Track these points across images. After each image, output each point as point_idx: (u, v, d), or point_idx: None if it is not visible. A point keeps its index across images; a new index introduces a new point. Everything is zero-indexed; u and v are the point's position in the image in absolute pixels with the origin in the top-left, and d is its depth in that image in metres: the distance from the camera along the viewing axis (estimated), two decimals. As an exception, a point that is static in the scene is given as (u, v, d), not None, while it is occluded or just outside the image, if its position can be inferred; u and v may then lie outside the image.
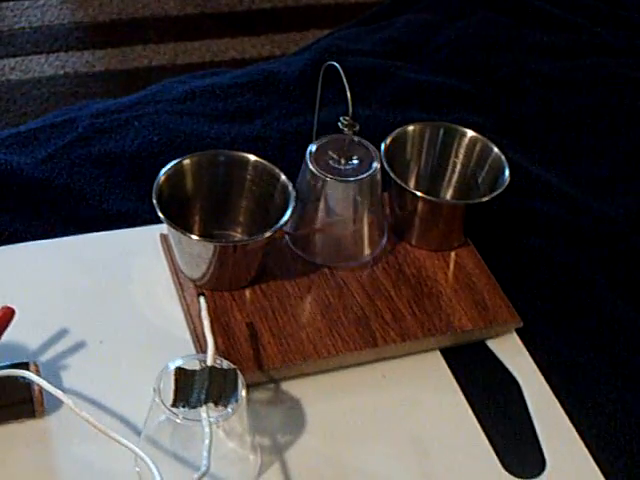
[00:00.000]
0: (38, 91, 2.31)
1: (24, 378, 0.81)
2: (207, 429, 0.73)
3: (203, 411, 0.74)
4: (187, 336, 0.92)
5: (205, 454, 0.71)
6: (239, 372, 0.77)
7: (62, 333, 0.91)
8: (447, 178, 1.05)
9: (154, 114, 1.22)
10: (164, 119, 1.20)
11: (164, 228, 0.98)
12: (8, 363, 0.82)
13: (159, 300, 0.96)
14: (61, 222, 1.05)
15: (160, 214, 0.89)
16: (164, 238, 0.99)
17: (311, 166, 0.95)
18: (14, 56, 2.42)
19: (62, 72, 2.39)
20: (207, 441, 0.72)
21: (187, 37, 2.54)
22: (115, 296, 0.96)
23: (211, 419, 0.74)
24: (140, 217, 1.06)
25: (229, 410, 0.75)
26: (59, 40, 2.49)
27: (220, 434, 0.80)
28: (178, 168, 0.95)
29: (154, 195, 0.91)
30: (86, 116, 1.21)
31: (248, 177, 0.97)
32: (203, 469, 0.70)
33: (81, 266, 0.98)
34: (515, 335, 0.98)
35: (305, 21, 2.61)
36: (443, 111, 1.30)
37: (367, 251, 1.00)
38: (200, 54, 2.48)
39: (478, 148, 1.03)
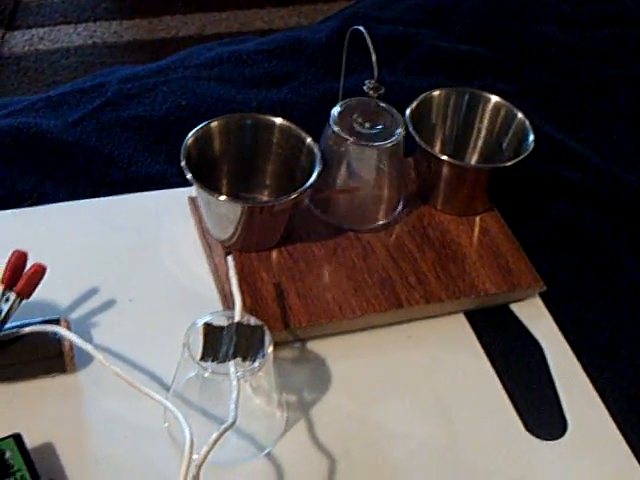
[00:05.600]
0: (66, 61, 2.33)
1: (55, 334, 0.83)
2: (235, 382, 0.74)
3: (231, 365, 0.75)
4: (215, 295, 0.93)
5: (232, 406, 0.73)
6: (266, 328, 0.79)
7: (92, 291, 0.93)
8: (472, 143, 1.06)
9: (182, 79, 1.23)
10: (192, 84, 1.22)
11: (192, 191, 0.99)
12: (40, 319, 0.84)
13: (187, 260, 0.97)
14: (91, 184, 1.07)
15: (189, 175, 0.90)
16: (192, 201, 1.00)
17: (335, 128, 0.95)
18: (42, 26, 2.44)
19: (90, 42, 2.40)
20: (234, 394, 0.73)
21: (215, 8, 2.55)
22: (144, 256, 0.97)
23: (238, 373, 0.75)
24: (168, 180, 1.07)
25: (256, 365, 0.76)
26: (87, 10, 2.51)
27: (247, 391, 0.81)
28: (206, 131, 0.96)
29: (182, 157, 0.92)
30: (115, 81, 1.22)
31: (274, 140, 0.98)
32: (230, 420, 0.72)
33: (111, 227, 1.00)
34: (538, 299, 0.99)
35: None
36: (468, 78, 1.30)
37: (385, 215, 1.01)
38: (227, 24, 2.49)
39: (502, 113, 1.04)
